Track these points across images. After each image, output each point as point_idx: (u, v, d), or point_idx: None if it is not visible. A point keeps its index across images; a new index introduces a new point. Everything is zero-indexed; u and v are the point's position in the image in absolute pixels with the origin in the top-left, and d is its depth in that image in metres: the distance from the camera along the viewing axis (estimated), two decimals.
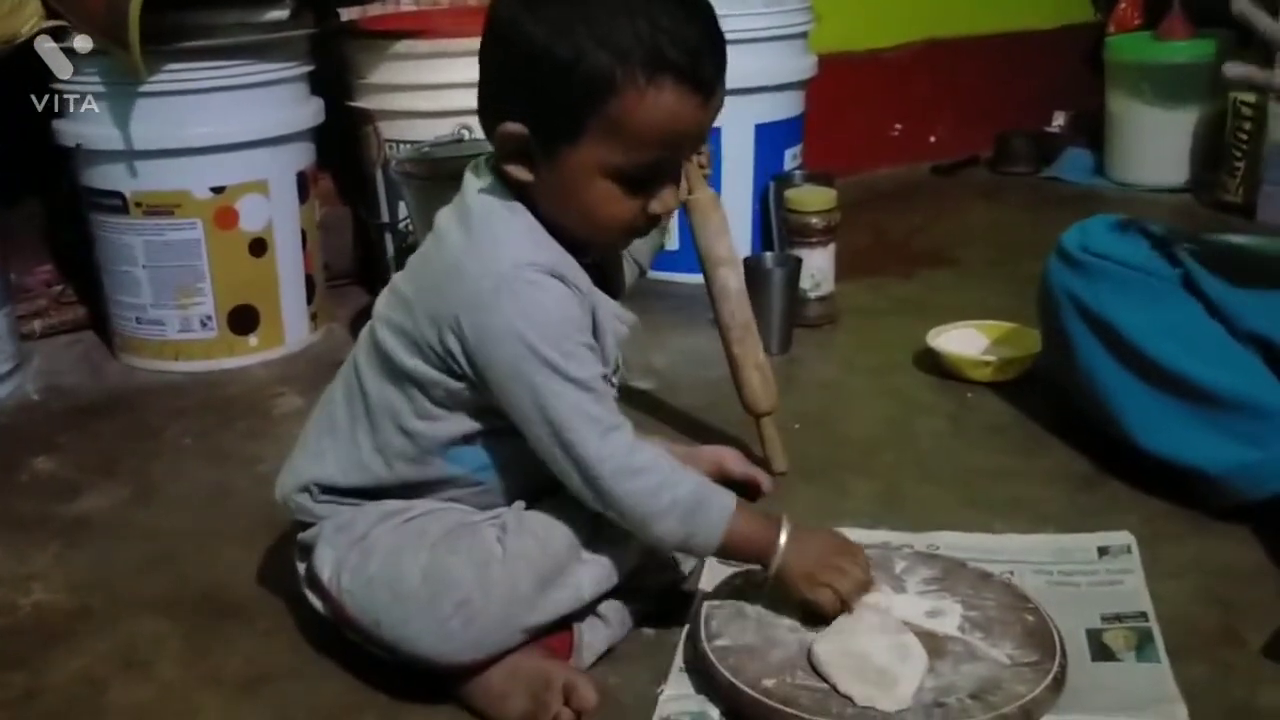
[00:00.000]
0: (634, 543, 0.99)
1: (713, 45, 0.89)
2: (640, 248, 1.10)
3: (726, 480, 1.14)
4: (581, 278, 0.94)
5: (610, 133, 0.88)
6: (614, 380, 0.98)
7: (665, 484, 0.93)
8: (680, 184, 0.95)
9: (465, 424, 0.97)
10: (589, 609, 0.99)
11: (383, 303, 1.00)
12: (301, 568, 1.03)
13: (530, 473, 0.96)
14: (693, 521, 0.93)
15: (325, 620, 1.01)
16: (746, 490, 1.16)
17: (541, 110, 0.89)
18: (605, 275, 1.03)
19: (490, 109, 0.93)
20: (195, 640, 1.08)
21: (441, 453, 0.98)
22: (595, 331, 0.95)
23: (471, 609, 0.92)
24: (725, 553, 0.97)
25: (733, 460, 1.19)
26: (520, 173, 0.92)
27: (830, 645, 0.94)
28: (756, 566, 0.98)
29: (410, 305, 0.95)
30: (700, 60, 0.88)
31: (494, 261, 0.91)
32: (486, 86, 0.94)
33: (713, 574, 1.11)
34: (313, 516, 1.01)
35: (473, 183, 0.96)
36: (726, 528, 0.94)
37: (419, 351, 0.94)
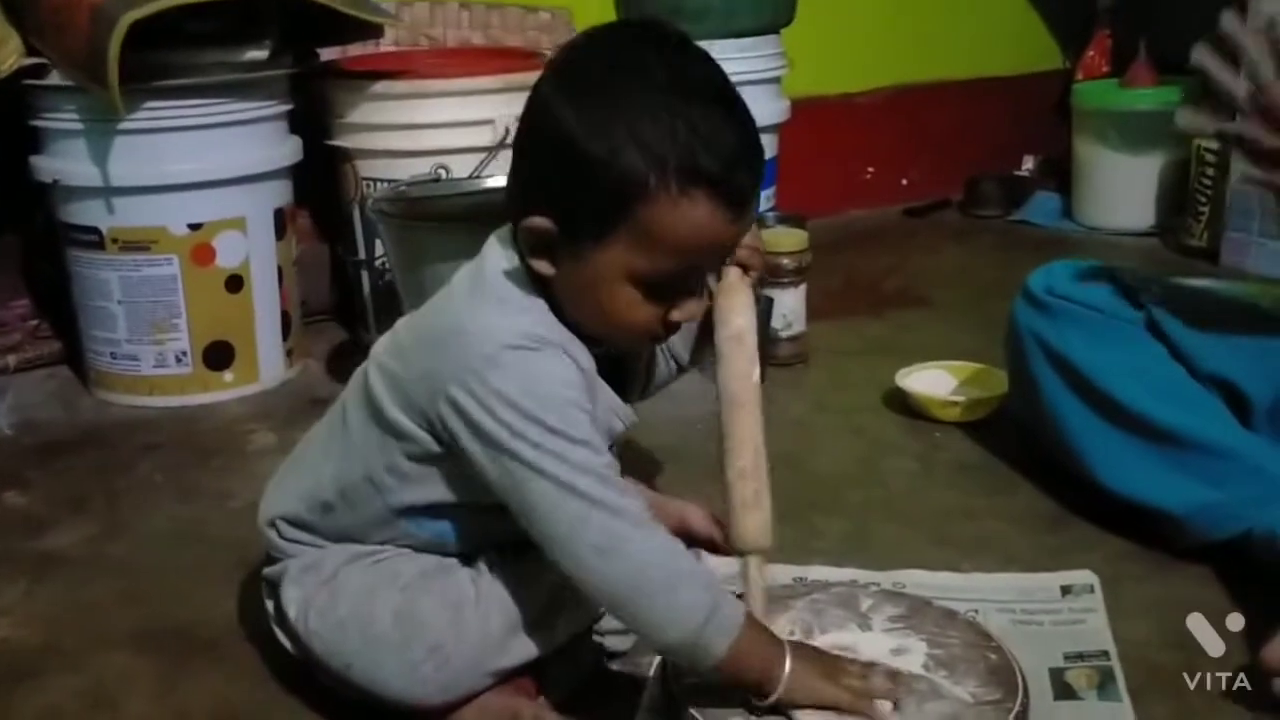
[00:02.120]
0: None
1: (750, 158, 0.87)
2: (677, 343, 1.07)
3: (687, 538, 1.14)
4: (585, 358, 0.91)
5: (638, 238, 0.85)
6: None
7: (685, 552, 0.88)
8: (703, 292, 0.93)
9: (435, 491, 0.95)
10: (558, 647, 0.99)
11: (381, 346, 0.98)
12: (270, 605, 1.03)
13: (495, 543, 0.95)
14: (719, 601, 0.86)
15: (295, 658, 1.01)
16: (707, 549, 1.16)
17: (571, 206, 0.87)
18: (618, 369, 1.00)
19: (519, 197, 0.90)
20: (164, 677, 1.08)
21: (405, 515, 0.96)
22: (593, 421, 0.91)
23: (444, 653, 0.92)
24: (726, 664, 0.86)
25: (698, 518, 1.13)
26: (543, 267, 0.89)
27: None
28: None
29: (406, 355, 0.94)
30: (736, 174, 0.85)
31: (498, 330, 0.88)
32: (518, 174, 0.92)
33: None
34: (280, 553, 1.01)
35: (495, 253, 0.94)
36: (743, 624, 0.86)
37: (406, 403, 0.92)
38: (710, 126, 0.84)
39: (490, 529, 0.91)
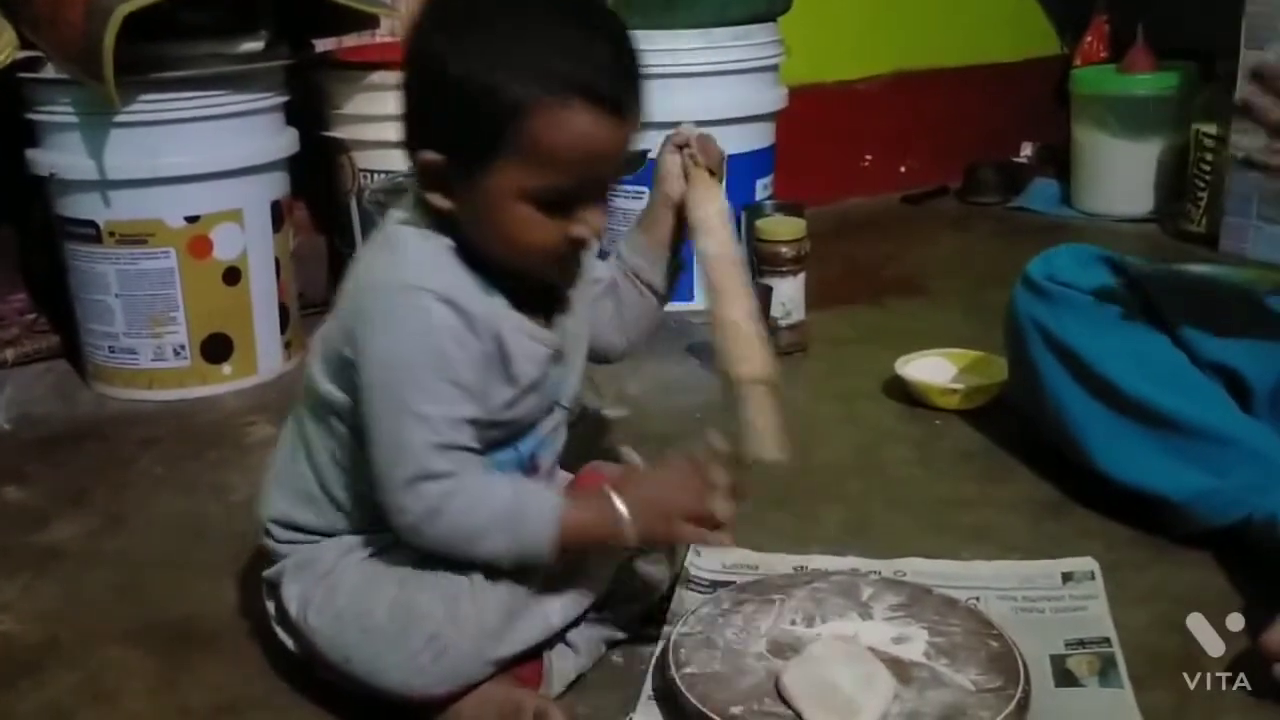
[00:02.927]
0: (602, 571, 1.00)
1: (622, 64, 0.90)
2: (645, 269, 1.09)
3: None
4: (480, 303, 0.92)
5: (524, 156, 0.87)
6: (539, 399, 0.98)
7: (477, 503, 0.91)
8: (604, 207, 0.94)
9: None
10: (558, 636, 0.99)
11: (318, 333, 1.01)
12: (270, 605, 1.03)
13: None
14: (518, 530, 0.91)
15: (297, 656, 1.01)
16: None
17: (456, 137, 0.89)
18: (550, 297, 1.01)
19: (411, 137, 0.93)
20: (164, 671, 1.08)
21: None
22: (504, 358, 0.94)
23: (442, 642, 0.92)
24: (571, 548, 0.93)
25: None
26: (440, 201, 0.92)
27: (798, 674, 0.95)
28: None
29: (330, 329, 0.97)
30: (609, 80, 0.88)
31: (387, 281, 0.92)
32: (407, 115, 0.94)
33: (682, 601, 1.12)
34: (277, 554, 1.02)
35: (395, 209, 0.97)
36: (556, 526, 0.91)
37: (333, 372, 0.95)
38: (580, 41, 0.88)
39: None
